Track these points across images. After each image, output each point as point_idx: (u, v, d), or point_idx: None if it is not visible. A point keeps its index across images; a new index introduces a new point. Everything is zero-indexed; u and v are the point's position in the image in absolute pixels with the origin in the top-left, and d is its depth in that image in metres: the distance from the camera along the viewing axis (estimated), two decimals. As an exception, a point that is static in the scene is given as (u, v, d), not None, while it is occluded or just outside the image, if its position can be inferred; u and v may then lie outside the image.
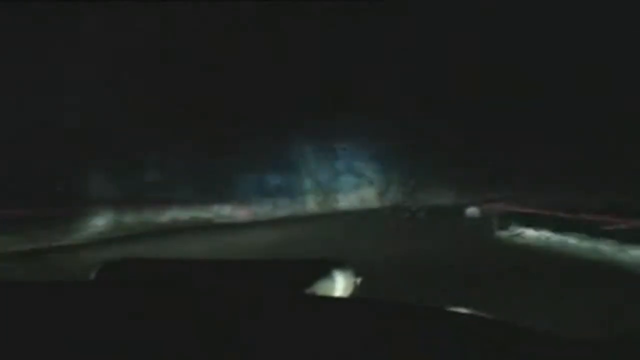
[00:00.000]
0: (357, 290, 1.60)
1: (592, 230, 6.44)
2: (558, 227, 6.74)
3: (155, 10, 7.13)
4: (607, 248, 6.03)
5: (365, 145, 8.81)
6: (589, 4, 7.13)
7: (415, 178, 8.78)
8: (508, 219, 7.31)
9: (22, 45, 6.82)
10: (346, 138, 8.81)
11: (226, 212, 8.15)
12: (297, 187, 8.69)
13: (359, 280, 1.62)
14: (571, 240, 6.67)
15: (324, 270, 1.51)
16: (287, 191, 8.59)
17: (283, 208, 8.47)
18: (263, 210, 8.35)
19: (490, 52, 7.57)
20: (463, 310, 1.10)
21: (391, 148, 8.71)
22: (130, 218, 7.53)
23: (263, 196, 8.39)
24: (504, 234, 7.31)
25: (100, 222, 7.34)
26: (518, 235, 7.56)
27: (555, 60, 7.45)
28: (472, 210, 8.17)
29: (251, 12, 7.42)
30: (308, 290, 1.39)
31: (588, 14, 7.00)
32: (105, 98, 7.19)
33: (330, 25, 7.61)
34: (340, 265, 1.57)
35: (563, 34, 7.23)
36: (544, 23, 7.24)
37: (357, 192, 8.93)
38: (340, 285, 1.51)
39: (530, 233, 7.55)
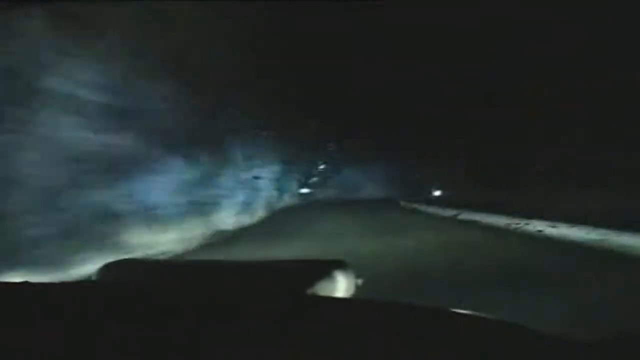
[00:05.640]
0: (359, 291, 1.58)
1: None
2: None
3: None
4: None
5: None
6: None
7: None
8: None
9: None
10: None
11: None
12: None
13: (360, 280, 1.61)
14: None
15: (325, 271, 1.50)
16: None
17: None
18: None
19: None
20: (464, 310, 1.10)
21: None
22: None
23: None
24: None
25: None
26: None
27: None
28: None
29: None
30: (309, 291, 1.38)
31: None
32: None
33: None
34: (342, 265, 1.56)
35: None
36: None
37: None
38: (341, 285, 1.50)
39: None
